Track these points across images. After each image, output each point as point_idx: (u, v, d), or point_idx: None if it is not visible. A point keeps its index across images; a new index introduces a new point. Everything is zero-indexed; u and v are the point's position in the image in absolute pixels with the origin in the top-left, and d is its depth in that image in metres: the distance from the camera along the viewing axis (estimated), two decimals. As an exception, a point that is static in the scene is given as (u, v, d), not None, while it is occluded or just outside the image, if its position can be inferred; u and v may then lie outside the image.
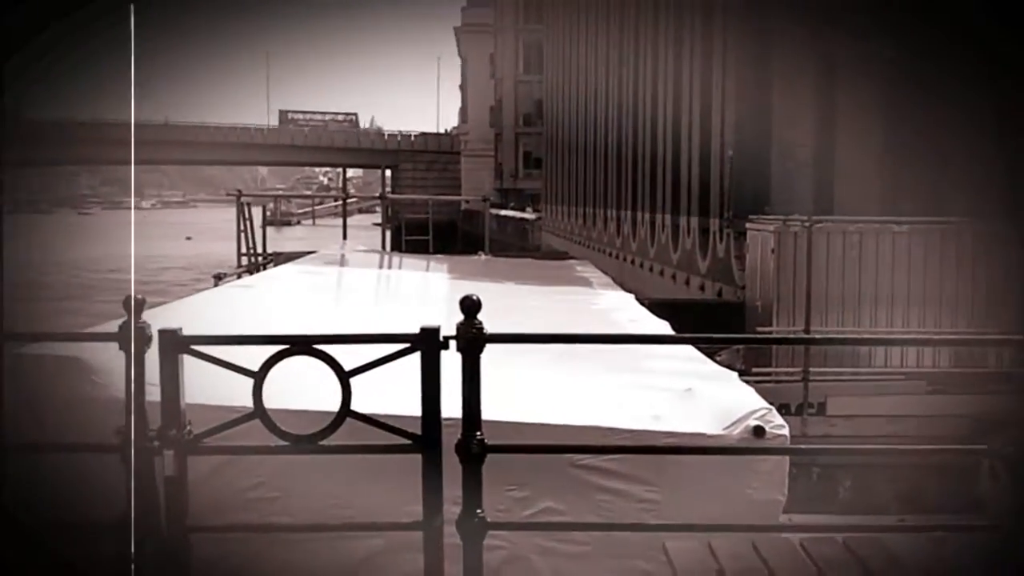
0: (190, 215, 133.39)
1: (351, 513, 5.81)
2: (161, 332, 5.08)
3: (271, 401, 5.10)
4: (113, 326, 5.27)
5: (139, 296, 5.15)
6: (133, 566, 5.16)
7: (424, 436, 5.15)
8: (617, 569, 5.94)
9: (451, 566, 5.24)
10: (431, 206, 22.60)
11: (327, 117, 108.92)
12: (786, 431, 6.03)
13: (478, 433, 5.12)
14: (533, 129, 70.30)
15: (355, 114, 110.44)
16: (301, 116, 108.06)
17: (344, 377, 5.12)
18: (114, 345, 5.14)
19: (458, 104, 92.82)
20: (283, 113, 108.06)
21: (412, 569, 5.60)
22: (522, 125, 77.53)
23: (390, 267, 16.83)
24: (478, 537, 5.19)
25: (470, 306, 5.12)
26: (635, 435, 5.91)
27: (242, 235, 19.00)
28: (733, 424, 5.96)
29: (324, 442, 5.14)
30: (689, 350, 7.61)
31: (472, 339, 5.07)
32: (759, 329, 16.77)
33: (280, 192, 78.67)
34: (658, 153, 30.63)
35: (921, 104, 19.42)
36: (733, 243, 22.51)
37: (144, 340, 5.06)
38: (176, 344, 5.11)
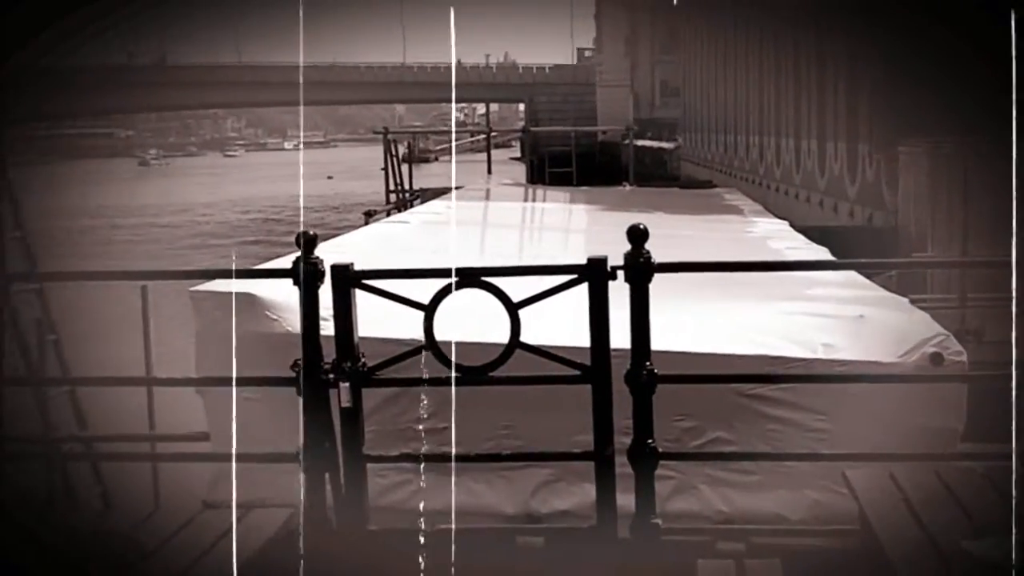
0: (330, 155, 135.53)
1: (521, 443, 5.84)
2: (334, 267, 5.15)
3: (442, 333, 5.15)
4: (286, 262, 5.37)
5: (311, 232, 5.23)
6: (310, 494, 5.29)
7: (593, 367, 5.14)
8: (787, 499, 5.86)
9: (621, 496, 5.24)
10: (573, 138, 22.43)
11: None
12: (964, 357, 5.83)
13: (647, 363, 5.09)
14: (670, 57, 68.83)
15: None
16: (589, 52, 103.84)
17: (513, 309, 5.14)
18: (287, 281, 5.23)
19: (592, 34, 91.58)
20: (580, 51, 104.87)
21: (583, 499, 5.63)
22: (659, 53, 76.11)
23: (536, 200, 16.82)
24: (649, 467, 5.17)
25: (638, 235, 5.06)
26: (806, 364, 5.79)
27: (390, 172, 19.17)
28: (909, 351, 5.78)
29: (494, 373, 5.18)
30: (855, 276, 7.42)
31: (641, 269, 5.03)
32: (914, 255, 16.28)
33: (419, 129, 79.19)
34: (802, 76, 29.81)
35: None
36: (884, 167, 21.82)
37: (317, 275, 5.14)
38: (348, 279, 5.18)
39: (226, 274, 6.02)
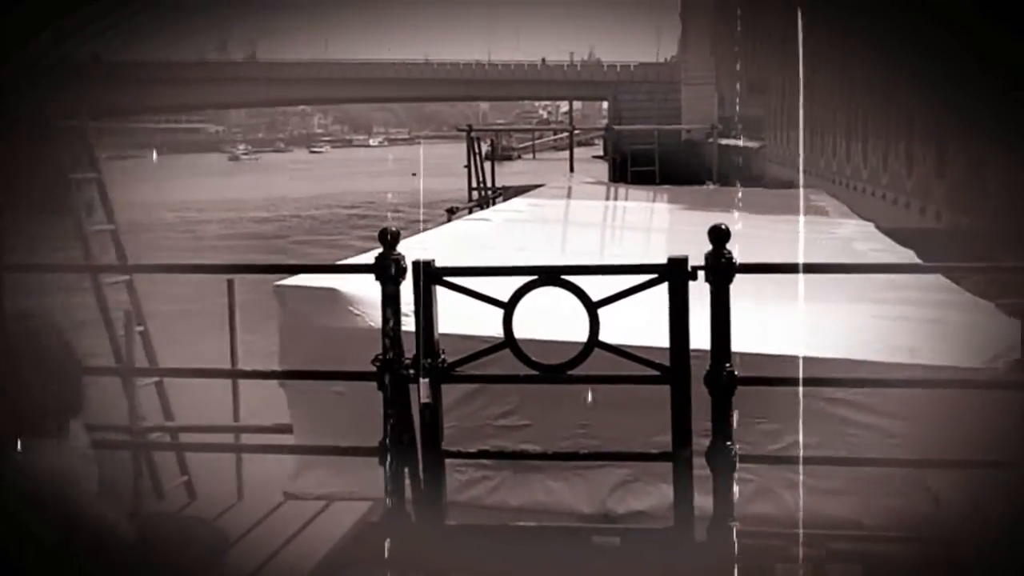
0: (415, 151, 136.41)
1: (599, 443, 5.85)
2: (415, 264, 5.19)
3: (520, 331, 5.17)
4: (369, 258, 5.43)
5: (393, 228, 5.28)
6: (390, 488, 5.35)
7: (673, 367, 5.12)
8: (867, 505, 5.79)
9: (698, 498, 5.22)
10: (656, 136, 22.32)
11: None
12: (1051, 363, 5.71)
13: (728, 364, 5.06)
14: (757, 55, 67.87)
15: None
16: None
17: (592, 308, 5.14)
18: (370, 276, 5.29)
19: (678, 32, 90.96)
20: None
21: (660, 499, 5.62)
22: (746, 51, 75.11)
23: (618, 199, 16.80)
24: (728, 469, 5.14)
25: (719, 235, 5.03)
26: (888, 368, 5.71)
27: (473, 170, 19.29)
28: (994, 357, 5.68)
29: (573, 372, 5.19)
30: (939, 279, 7.31)
31: (722, 269, 5.00)
32: (1001, 259, 15.96)
33: (502, 126, 79.49)
34: (890, 76, 29.29)
35: None
36: (972, 170, 21.40)
37: (400, 272, 5.18)
38: (430, 275, 5.22)
39: (310, 269, 6.12)
